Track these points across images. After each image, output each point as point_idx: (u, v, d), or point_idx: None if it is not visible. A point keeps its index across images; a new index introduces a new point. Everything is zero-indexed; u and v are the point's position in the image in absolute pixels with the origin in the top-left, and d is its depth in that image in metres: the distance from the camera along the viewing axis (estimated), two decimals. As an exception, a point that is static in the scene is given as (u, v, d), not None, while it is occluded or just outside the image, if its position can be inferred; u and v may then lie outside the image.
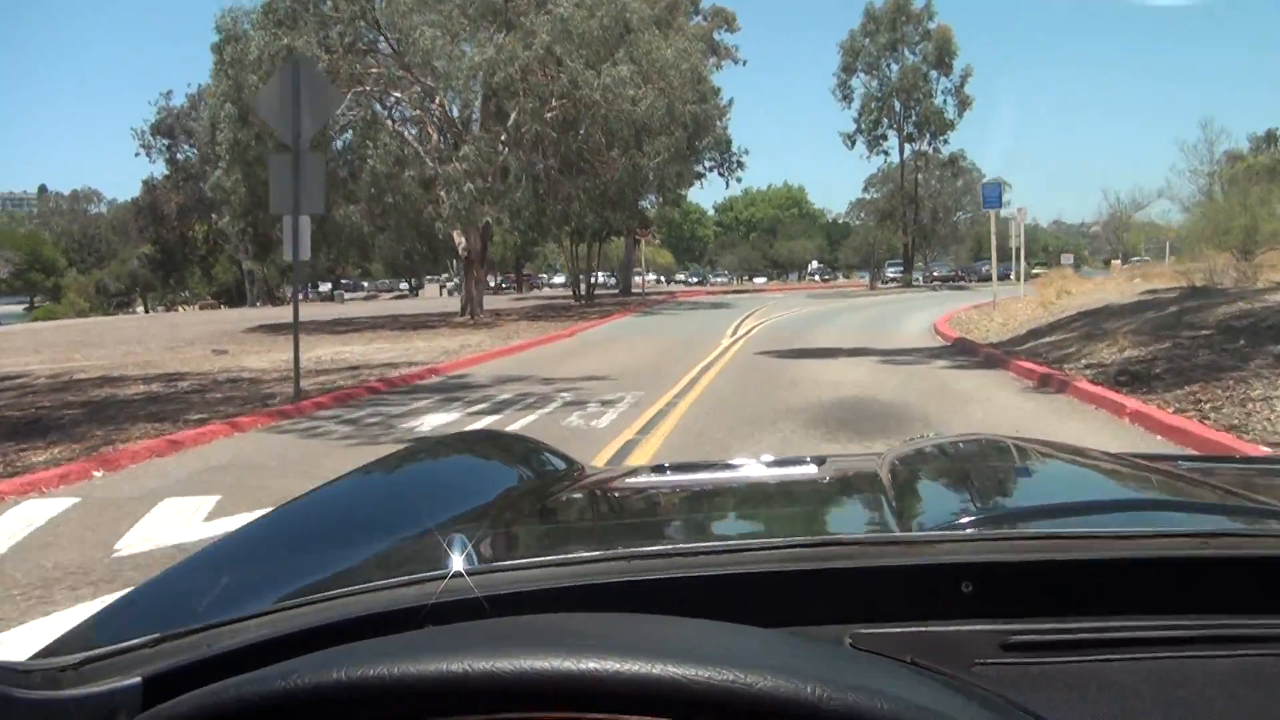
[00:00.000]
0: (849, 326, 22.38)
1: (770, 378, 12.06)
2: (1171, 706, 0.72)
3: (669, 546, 0.97)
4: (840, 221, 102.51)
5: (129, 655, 0.81)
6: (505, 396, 11.22)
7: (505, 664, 0.55)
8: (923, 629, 0.83)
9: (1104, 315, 15.68)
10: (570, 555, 0.95)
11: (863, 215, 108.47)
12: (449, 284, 68.78)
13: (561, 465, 1.63)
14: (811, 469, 1.52)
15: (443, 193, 26.71)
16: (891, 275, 71.00)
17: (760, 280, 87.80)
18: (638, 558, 0.90)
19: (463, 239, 29.19)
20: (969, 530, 0.97)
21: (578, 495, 1.49)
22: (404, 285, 74.39)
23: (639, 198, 36.68)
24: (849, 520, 1.39)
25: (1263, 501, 1.22)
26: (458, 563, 0.90)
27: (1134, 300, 17.12)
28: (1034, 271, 71.93)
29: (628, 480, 1.62)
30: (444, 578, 0.84)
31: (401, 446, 1.96)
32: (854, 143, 50.47)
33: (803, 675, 0.55)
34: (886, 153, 49.57)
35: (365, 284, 74.57)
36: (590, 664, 0.55)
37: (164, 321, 36.95)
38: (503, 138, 27.38)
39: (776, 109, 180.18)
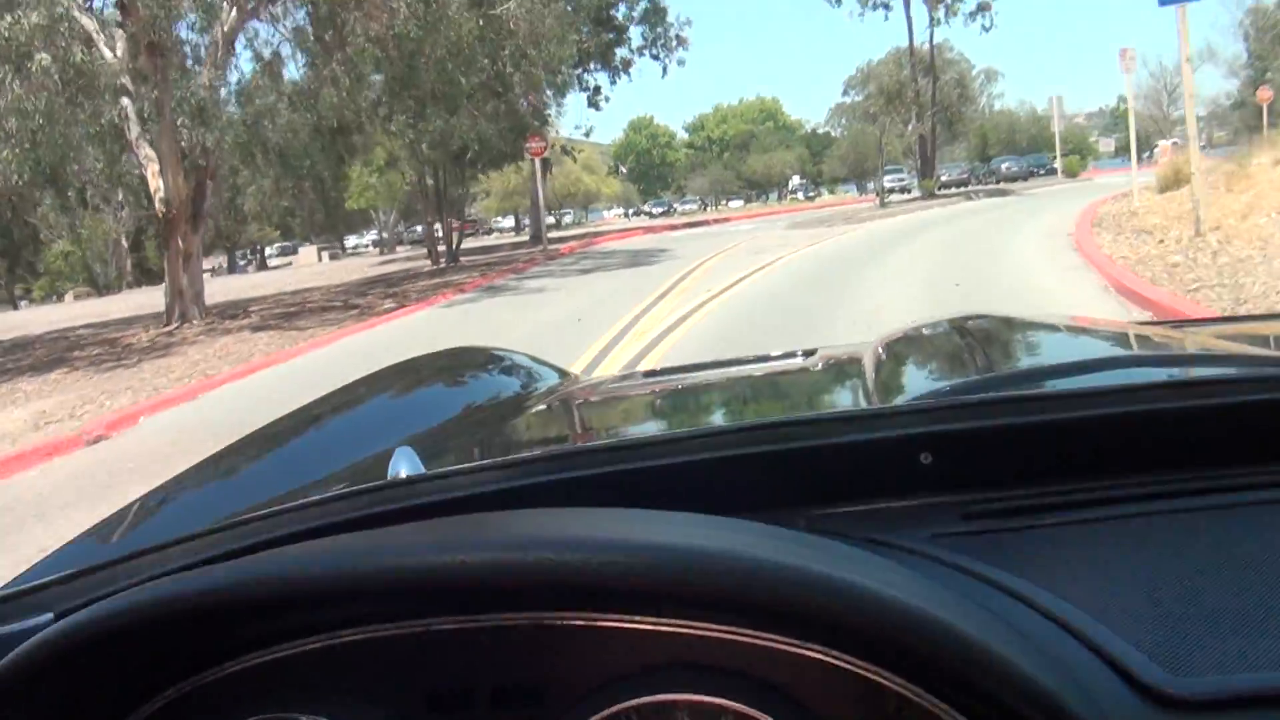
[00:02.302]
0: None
1: None
2: (1139, 559, 0.71)
3: (610, 441, 0.95)
4: (820, 132, 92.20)
5: (44, 593, 0.79)
6: None
7: (377, 561, 0.54)
8: (883, 505, 0.82)
9: None
10: (506, 459, 0.91)
11: (844, 122, 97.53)
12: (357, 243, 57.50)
13: (553, 376, 1.66)
14: (798, 360, 1.54)
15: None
16: (892, 185, 58.31)
17: (736, 204, 79.64)
18: (578, 454, 0.88)
19: (158, 181, 15.54)
20: (928, 401, 0.94)
21: (552, 403, 1.47)
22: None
23: (510, 91, 22.59)
24: (819, 405, 1.32)
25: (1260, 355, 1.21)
26: (391, 476, 0.90)
27: None
28: (1054, 166, 58.42)
29: (609, 385, 1.64)
30: (369, 492, 0.82)
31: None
32: None
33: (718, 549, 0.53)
34: (887, 6, 34.78)
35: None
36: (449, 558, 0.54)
37: None
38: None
39: (744, 16, 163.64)
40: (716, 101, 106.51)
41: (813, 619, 0.54)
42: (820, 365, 1.50)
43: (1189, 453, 0.81)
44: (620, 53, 34.14)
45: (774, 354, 1.64)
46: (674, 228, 35.17)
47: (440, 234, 27.71)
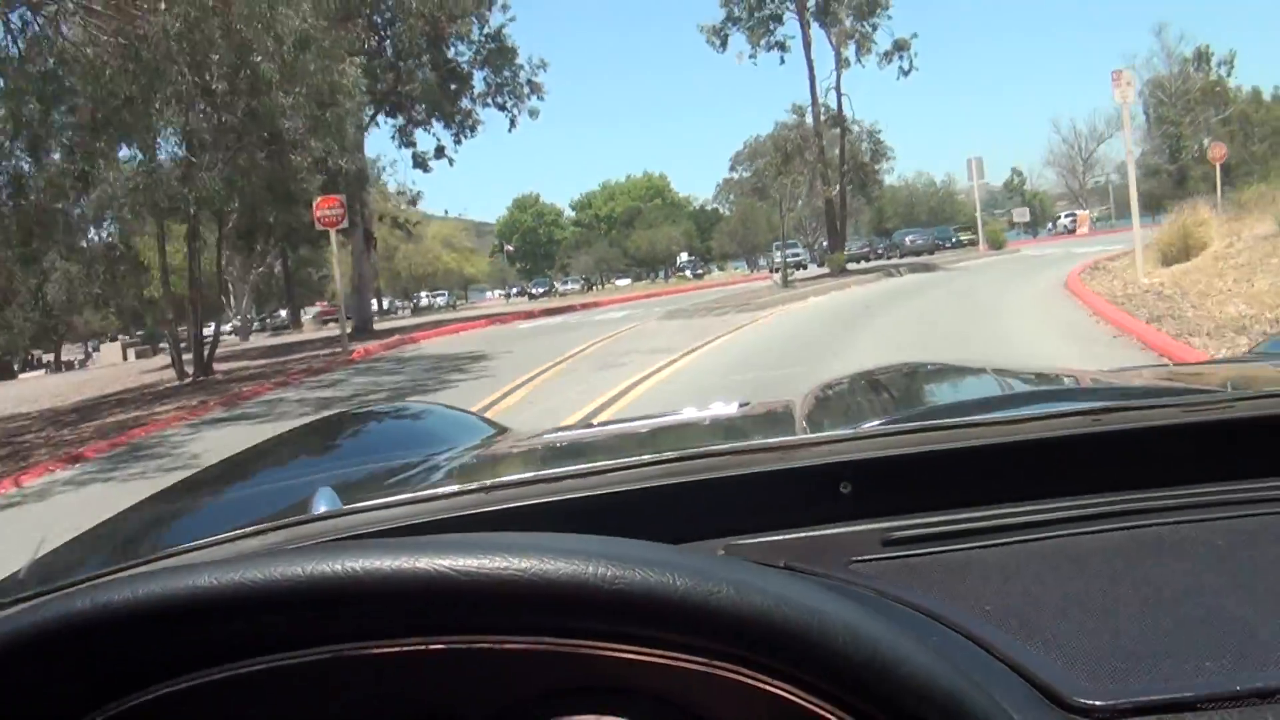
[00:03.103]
0: None
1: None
2: (1056, 579, 0.72)
3: (532, 474, 0.93)
4: (710, 208, 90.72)
5: None
6: None
7: (290, 569, 0.52)
8: (802, 534, 0.82)
9: None
10: (426, 492, 0.91)
11: (732, 197, 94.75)
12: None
13: (487, 430, 1.68)
14: (732, 408, 1.55)
15: None
16: (790, 258, 53.32)
17: (623, 282, 77.16)
18: (497, 488, 0.86)
19: None
20: (846, 431, 0.95)
21: (482, 450, 1.48)
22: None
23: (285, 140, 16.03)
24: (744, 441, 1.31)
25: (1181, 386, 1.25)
26: (314, 510, 0.91)
27: None
28: (964, 238, 54.22)
29: (545, 435, 1.64)
30: (283, 527, 0.82)
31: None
32: (725, 39, 28.32)
33: (615, 560, 0.51)
34: (783, 47, 27.94)
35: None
36: (356, 564, 0.52)
37: None
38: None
39: (632, 89, 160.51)
40: (604, 179, 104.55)
41: (716, 626, 0.51)
42: (752, 410, 1.55)
43: (1102, 476, 0.83)
44: (465, 101, 27.80)
45: (711, 405, 1.62)
46: (533, 314, 28.61)
47: (232, 327, 20.27)
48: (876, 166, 27.22)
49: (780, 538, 0.81)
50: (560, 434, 1.67)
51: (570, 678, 0.58)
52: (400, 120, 26.76)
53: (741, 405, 1.55)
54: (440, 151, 29.00)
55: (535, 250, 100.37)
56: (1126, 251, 17.92)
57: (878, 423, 1.01)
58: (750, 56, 26.76)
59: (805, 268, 53.83)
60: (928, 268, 27.28)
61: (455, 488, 0.90)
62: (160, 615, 0.53)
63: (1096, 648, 0.62)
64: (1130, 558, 0.74)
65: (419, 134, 28.47)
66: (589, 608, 0.51)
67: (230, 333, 33.38)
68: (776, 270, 23.13)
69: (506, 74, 27.46)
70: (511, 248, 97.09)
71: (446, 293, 75.61)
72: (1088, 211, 56.11)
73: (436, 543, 0.54)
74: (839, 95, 27.36)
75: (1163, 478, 0.83)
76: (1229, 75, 62.89)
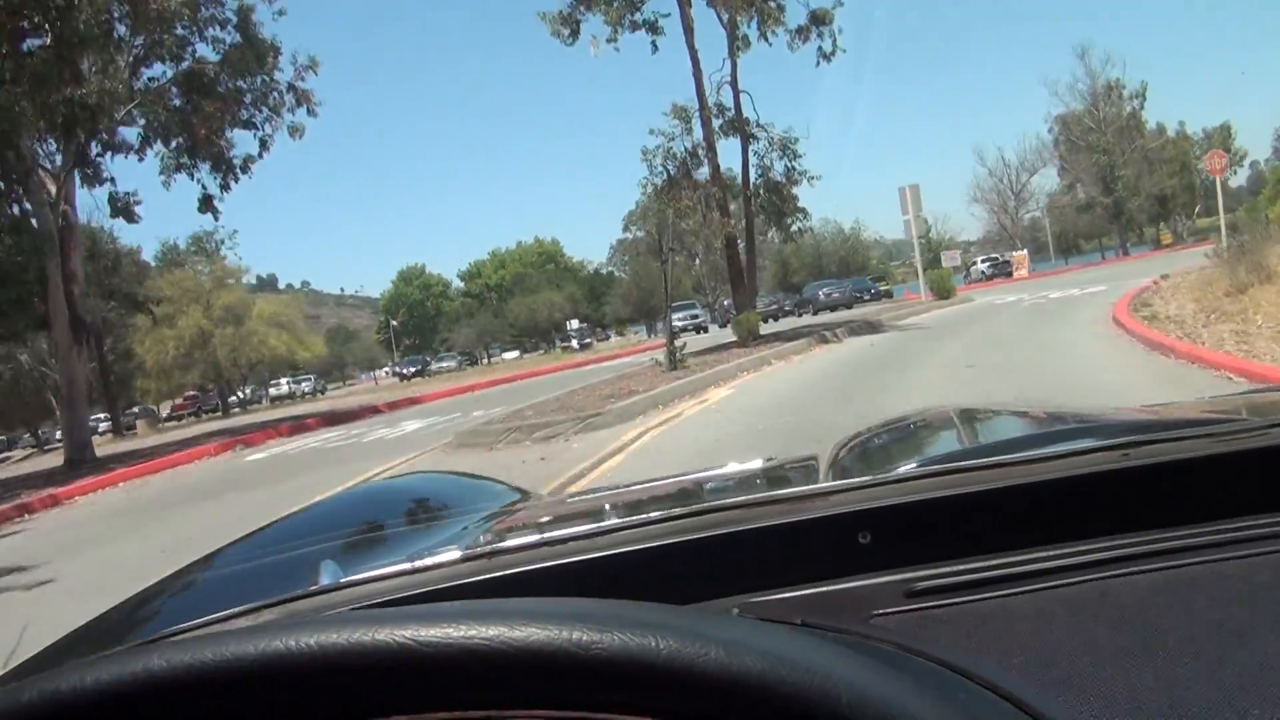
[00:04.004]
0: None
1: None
2: (1087, 629, 0.69)
3: (536, 538, 0.90)
4: (605, 271, 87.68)
5: None
6: None
7: (279, 642, 0.51)
8: (821, 589, 0.79)
9: None
10: (426, 561, 0.88)
11: (626, 259, 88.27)
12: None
13: (511, 495, 1.66)
14: (755, 464, 1.53)
15: None
16: (685, 323, 46.01)
17: (510, 355, 72.00)
18: (500, 553, 0.85)
19: None
20: (863, 479, 0.91)
21: (505, 515, 1.46)
22: None
23: None
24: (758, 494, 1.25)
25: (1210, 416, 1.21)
26: (316, 582, 0.90)
27: None
28: (885, 288, 47.40)
29: (566, 498, 1.71)
30: (282, 603, 0.81)
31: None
32: (576, 27, 18.85)
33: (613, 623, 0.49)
34: (654, 28, 18.75)
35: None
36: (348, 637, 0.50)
37: None
38: None
39: (523, 153, 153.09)
40: (494, 246, 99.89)
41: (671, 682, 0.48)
42: (776, 466, 1.51)
43: (1134, 514, 0.80)
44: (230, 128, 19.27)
45: (734, 463, 1.58)
46: (305, 427, 19.97)
47: None
48: (794, 189, 19.27)
49: (798, 593, 0.78)
50: (582, 496, 1.72)
51: None
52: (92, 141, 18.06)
53: (766, 461, 1.52)
54: (208, 202, 20.36)
55: (424, 324, 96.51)
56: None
57: (896, 469, 0.95)
58: (609, 40, 18.65)
59: (705, 330, 46.47)
60: (872, 327, 19.68)
61: (457, 555, 0.87)
62: (113, 699, 0.51)
63: (1132, 699, 0.60)
64: (1167, 600, 0.71)
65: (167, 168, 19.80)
66: (564, 675, 0.48)
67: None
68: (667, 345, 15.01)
69: (262, 78, 19.07)
70: (396, 323, 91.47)
71: (312, 378, 67.51)
72: (1022, 252, 49.71)
73: (401, 614, 0.52)
74: (735, 90, 19.09)
75: (1199, 513, 0.79)
76: (1142, 109, 58.30)
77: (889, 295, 50.28)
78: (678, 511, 0.88)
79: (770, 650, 0.48)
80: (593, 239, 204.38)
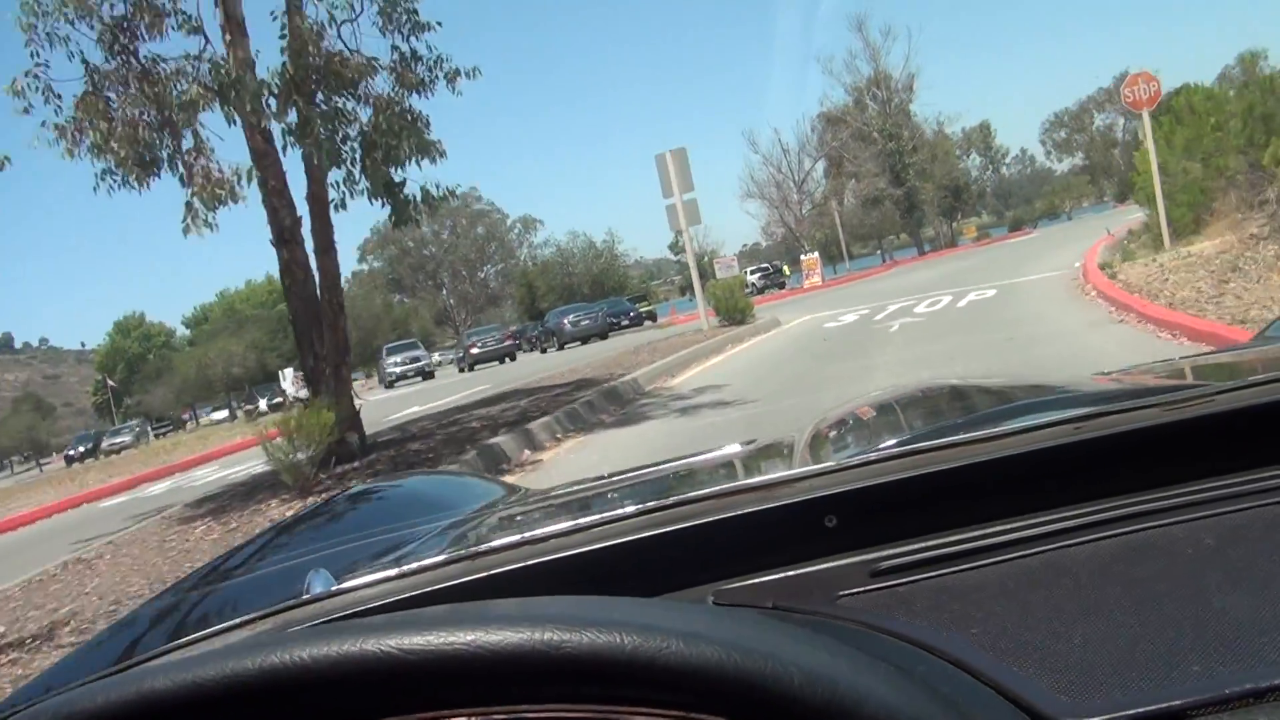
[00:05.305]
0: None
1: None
2: (1042, 597, 0.72)
3: (518, 537, 0.91)
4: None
5: None
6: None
7: (289, 654, 0.53)
8: (791, 573, 0.82)
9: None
10: (414, 565, 0.89)
11: (364, 290, 77.32)
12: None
13: (500, 492, 1.74)
14: (734, 448, 1.57)
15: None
16: (404, 368, 37.57)
17: (220, 415, 63.22)
18: (484, 554, 0.87)
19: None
20: (827, 464, 0.93)
21: (494, 512, 1.49)
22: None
23: None
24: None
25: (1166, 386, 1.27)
26: (309, 591, 0.93)
27: None
28: (647, 309, 38.24)
29: (555, 491, 1.64)
30: (273, 614, 0.83)
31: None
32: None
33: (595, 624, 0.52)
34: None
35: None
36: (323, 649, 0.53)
37: None
38: None
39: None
40: (222, 287, 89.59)
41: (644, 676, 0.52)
42: (755, 449, 1.56)
43: (1087, 485, 0.83)
44: None
45: (712, 449, 1.64)
46: None
47: None
48: (409, 93, 8.56)
49: (769, 578, 0.82)
50: (571, 489, 1.64)
51: None
52: None
53: (746, 444, 1.57)
54: None
55: (148, 381, 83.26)
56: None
57: (862, 452, 0.99)
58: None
59: (431, 375, 36.31)
60: (611, 402, 9.09)
61: (442, 558, 0.90)
62: (125, 718, 0.53)
63: (1084, 661, 0.62)
64: (1118, 565, 0.74)
65: None
66: (538, 674, 0.52)
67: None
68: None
69: None
70: (114, 383, 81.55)
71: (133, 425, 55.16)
72: (815, 255, 41.00)
73: (388, 622, 0.55)
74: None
75: (1149, 480, 0.83)
76: (910, 102, 51.72)
77: (652, 318, 41.24)
78: (653, 505, 0.89)
79: (727, 639, 0.51)
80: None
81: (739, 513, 0.84)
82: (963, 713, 0.52)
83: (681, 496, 0.91)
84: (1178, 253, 12.84)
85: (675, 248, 54.43)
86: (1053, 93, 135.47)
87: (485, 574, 0.83)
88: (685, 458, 1.61)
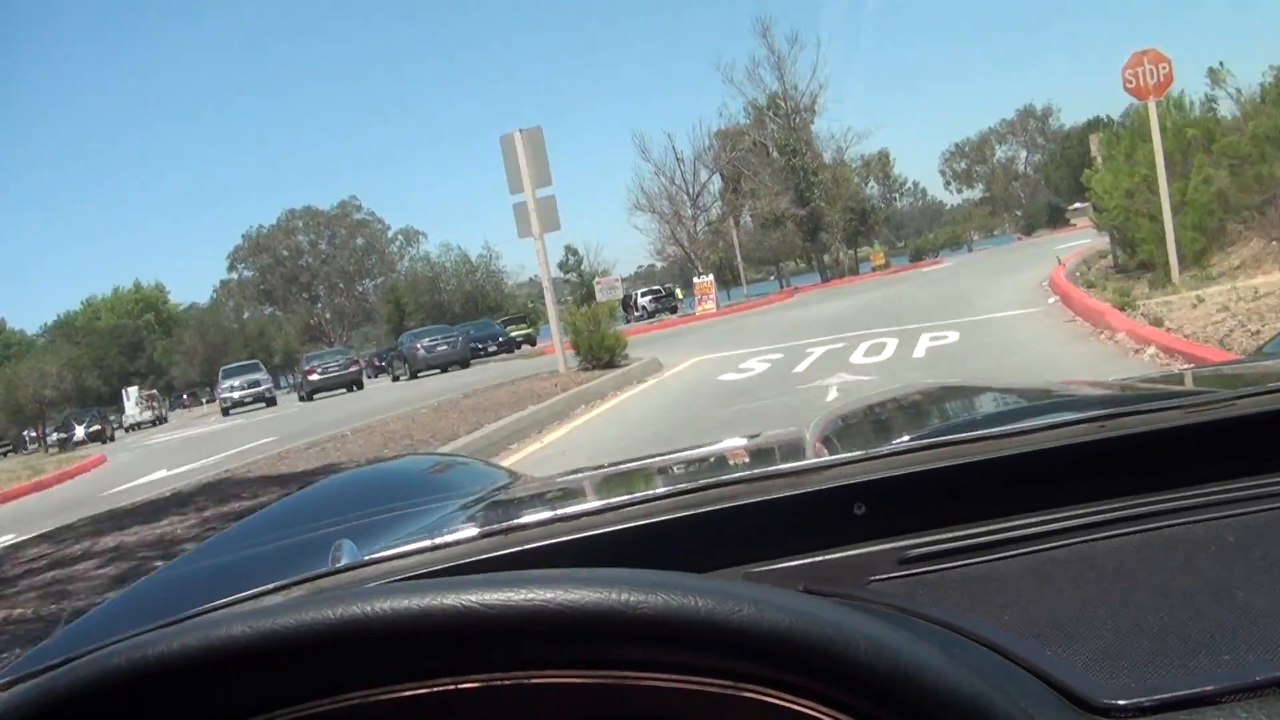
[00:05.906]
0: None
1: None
2: (1070, 588, 0.74)
3: (550, 514, 0.93)
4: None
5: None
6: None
7: (315, 613, 0.53)
8: (819, 558, 0.84)
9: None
10: (445, 538, 0.90)
11: (232, 303, 71.36)
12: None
13: (503, 476, 1.74)
14: (741, 441, 1.61)
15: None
16: (243, 393, 33.54)
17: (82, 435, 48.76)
18: (515, 529, 0.89)
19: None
20: (857, 453, 0.95)
21: (503, 495, 1.50)
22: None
23: None
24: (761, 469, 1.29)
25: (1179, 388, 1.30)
26: (335, 562, 0.93)
27: None
28: (524, 333, 33.75)
29: (557, 479, 1.65)
30: (302, 581, 0.83)
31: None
32: None
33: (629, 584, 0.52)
34: None
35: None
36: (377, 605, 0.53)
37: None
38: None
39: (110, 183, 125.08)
40: (89, 294, 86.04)
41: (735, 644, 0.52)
42: (763, 441, 1.59)
43: (1112, 482, 0.85)
44: None
45: (719, 440, 1.66)
46: None
47: None
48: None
49: (798, 562, 0.83)
50: (573, 476, 1.67)
51: (599, 710, 0.57)
52: None
53: (751, 438, 1.56)
54: None
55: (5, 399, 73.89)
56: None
57: (889, 443, 1.01)
58: None
59: (273, 403, 33.51)
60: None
61: (475, 531, 0.91)
62: (196, 667, 0.53)
63: (1116, 648, 0.63)
64: (1144, 560, 0.76)
65: None
66: (615, 634, 0.52)
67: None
68: None
69: None
70: None
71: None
72: (709, 278, 36.81)
73: (462, 581, 0.55)
74: None
75: (1171, 480, 0.85)
76: (812, 121, 48.28)
77: (531, 342, 36.69)
78: (685, 486, 0.91)
79: (794, 607, 0.51)
80: (200, 279, 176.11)
81: (770, 497, 0.85)
82: (1006, 692, 0.52)
83: (715, 479, 0.92)
84: (1235, 288, 9.07)
85: (566, 266, 49.59)
86: (952, 123, 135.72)
87: (518, 549, 0.83)
88: (694, 447, 1.61)
